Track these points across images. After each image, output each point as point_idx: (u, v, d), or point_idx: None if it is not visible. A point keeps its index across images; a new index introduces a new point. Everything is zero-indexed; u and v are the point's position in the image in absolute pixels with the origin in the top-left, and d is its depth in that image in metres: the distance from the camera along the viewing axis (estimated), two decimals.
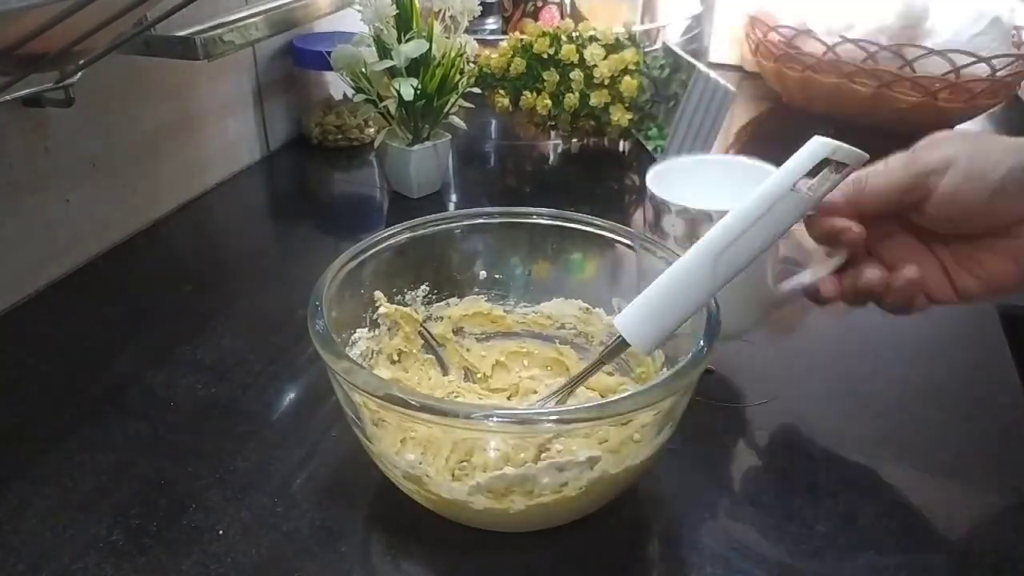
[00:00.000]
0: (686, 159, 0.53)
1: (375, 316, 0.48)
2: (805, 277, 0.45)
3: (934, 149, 0.38)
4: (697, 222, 0.46)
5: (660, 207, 0.47)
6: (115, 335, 0.58)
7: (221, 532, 0.41)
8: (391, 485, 0.42)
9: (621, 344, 0.36)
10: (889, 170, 0.39)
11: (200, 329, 0.58)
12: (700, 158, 0.54)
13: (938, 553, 0.41)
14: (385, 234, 0.47)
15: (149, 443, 0.48)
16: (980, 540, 0.42)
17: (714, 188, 0.51)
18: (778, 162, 0.39)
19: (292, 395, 0.52)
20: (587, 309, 0.51)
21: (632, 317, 0.35)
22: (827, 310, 0.46)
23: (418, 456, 0.40)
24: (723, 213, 0.43)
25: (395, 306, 0.48)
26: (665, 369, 0.44)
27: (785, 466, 0.47)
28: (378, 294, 0.48)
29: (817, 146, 0.36)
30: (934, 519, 0.43)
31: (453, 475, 0.40)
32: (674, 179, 0.49)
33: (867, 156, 0.36)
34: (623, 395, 0.35)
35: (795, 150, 0.38)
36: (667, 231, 0.47)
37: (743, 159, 0.52)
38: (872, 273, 0.41)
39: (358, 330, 0.47)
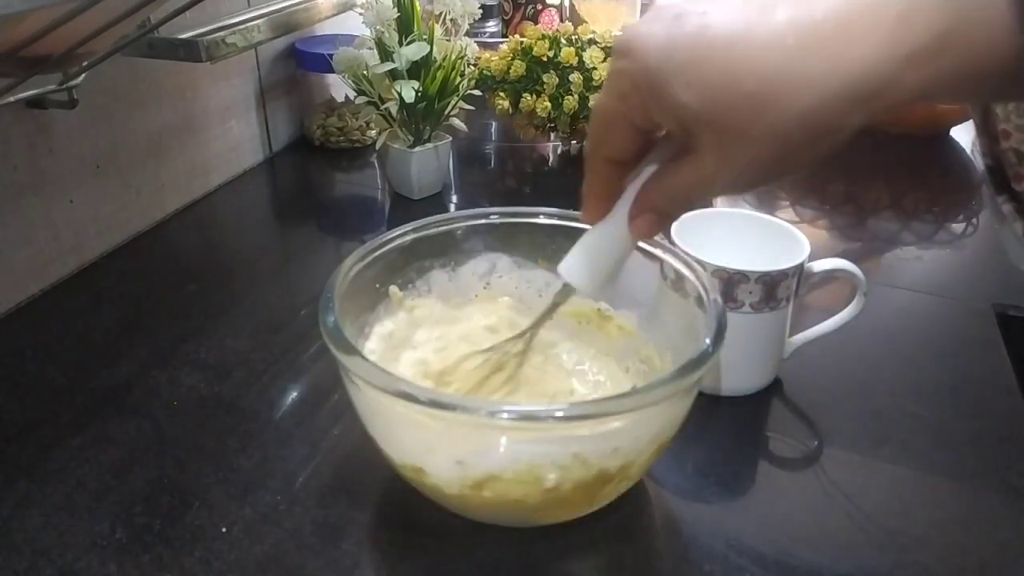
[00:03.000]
0: (704, 213, 0.54)
1: (384, 313, 0.49)
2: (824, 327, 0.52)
3: (719, 173, 0.31)
4: (734, 281, 0.48)
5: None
6: (118, 335, 0.58)
7: (224, 530, 0.42)
8: (394, 482, 0.42)
9: (567, 287, 0.39)
10: (695, 193, 0.33)
11: (203, 329, 0.59)
12: (717, 211, 0.56)
13: (936, 552, 0.41)
14: (397, 232, 0.48)
15: (152, 442, 0.48)
16: (977, 538, 0.42)
17: (733, 241, 0.53)
18: None
19: (295, 394, 0.52)
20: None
21: (573, 264, 0.38)
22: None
23: (425, 449, 0.40)
24: (759, 273, 0.47)
25: (410, 301, 0.49)
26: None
27: (783, 465, 0.48)
28: (393, 289, 0.49)
29: None
30: (931, 517, 0.43)
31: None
32: (693, 233, 0.51)
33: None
34: (628, 392, 0.35)
35: None
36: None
37: (760, 215, 0.55)
38: None
39: (366, 327, 0.47)
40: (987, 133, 0.36)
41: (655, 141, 0.35)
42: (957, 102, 0.33)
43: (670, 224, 0.36)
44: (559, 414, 0.34)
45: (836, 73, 0.26)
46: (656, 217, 0.34)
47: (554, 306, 0.42)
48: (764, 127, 0.27)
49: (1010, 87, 0.27)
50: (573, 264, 0.38)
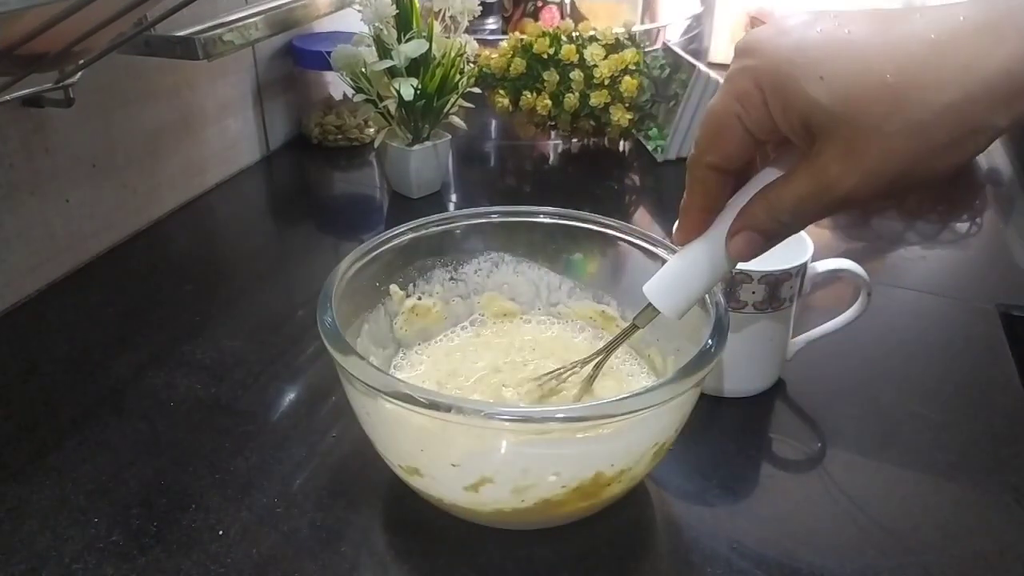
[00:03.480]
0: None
1: (383, 312, 0.48)
2: (828, 327, 0.51)
3: (844, 176, 0.29)
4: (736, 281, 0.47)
5: None
6: (115, 335, 0.58)
7: (221, 532, 0.41)
8: (392, 484, 0.42)
9: (650, 310, 0.37)
10: (809, 204, 0.31)
11: (200, 329, 0.59)
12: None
13: (940, 555, 0.41)
14: (397, 231, 0.47)
15: (149, 443, 0.48)
16: (980, 540, 0.42)
17: None
18: None
19: (292, 395, 0.52)
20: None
21: (659, 284, 0.36)
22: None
23: (424, 451, 0.39)
24: (762, 273, 0.46)
25: (412, 299, 0.49)
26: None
27: (786, 467, 0.47)
28: (393, 288, 0.48)
29: None
30: (934, 519, 0.43)
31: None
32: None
33: None
34: (631, 394, 0.35)
35: None
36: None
37: None
38: None
39: (364, 327, 0.47)
40: None
41: (766, 160, 0.33)
42: None
43: (771, 246, 0.33)
44: (559, 416, 0.34)
45: (984, 67, 0.26)
46: (758, 236, 0.32)
47: (633, 328, 0.40)
48: (902, 121, 0.26)
49: None
50: (661, 286, 0.36)
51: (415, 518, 0.42)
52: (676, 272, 0.36)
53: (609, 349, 0.42)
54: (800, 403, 0.52)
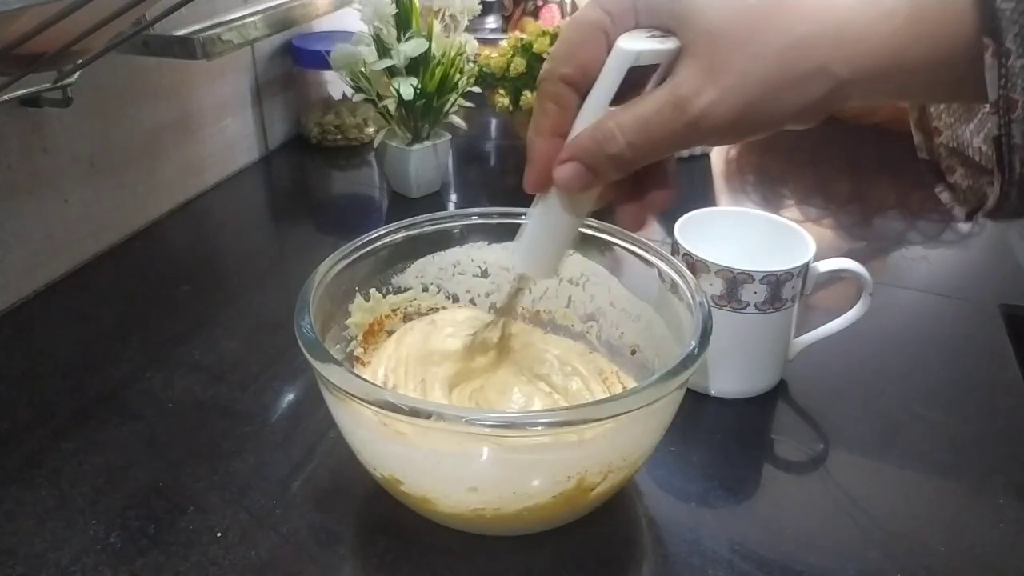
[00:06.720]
0: (707, 212, 0.53)
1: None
2: (830, 327, 0.51)
3: (702, 91, 0.29)
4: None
5: (697, 265, 0.48)
6: (113, 336, 0.58)
7: (219, 534, 0.41)
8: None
9: (523, 278, 0.40)
10: (656, 126, 0.30)
11: (198, 330, 0.58)
12: (721, 210, 0.55)
13: (942, 556, 0.41)
14: (367, 238, 0.47)
15: (147, 444, 0.47)
16: (982, 540, 0.41)
17: (738, 241, 0.53)
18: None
19: (290, 396, 0.52)
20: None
21: (522, 249, 0.37)
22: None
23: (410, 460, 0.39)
24: (764, 273, 0.46)
25: (369, 304, 0.48)
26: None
27: (788, 468, 0.47)
28: (357, 299, 0.47)
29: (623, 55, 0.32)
30: (937, 520, 0.43)
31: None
32: (697, 232, 0.51)
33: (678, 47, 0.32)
34: (614, 397, 0.34)
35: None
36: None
37: (765, 214, 0.54)
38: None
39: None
40: (922, 130, 0.37)
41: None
42: (913, 93, 0.32)
43: (600, 182, 0.31)
44: (544, 420, 0.34)
45: (828, 11, 0.27)
46: (582, 168, 0.30)
47: (517, 292, 0.42)
48: (763, 44, 0.28)
49: (966, 79, 0.27)
50: (522, 252, 0.37)
51: (415, 520, 0.41)
52: (535, 233, 0.36)
53: (503, 313, 0.44)
54: (802, 404, 0.51)
